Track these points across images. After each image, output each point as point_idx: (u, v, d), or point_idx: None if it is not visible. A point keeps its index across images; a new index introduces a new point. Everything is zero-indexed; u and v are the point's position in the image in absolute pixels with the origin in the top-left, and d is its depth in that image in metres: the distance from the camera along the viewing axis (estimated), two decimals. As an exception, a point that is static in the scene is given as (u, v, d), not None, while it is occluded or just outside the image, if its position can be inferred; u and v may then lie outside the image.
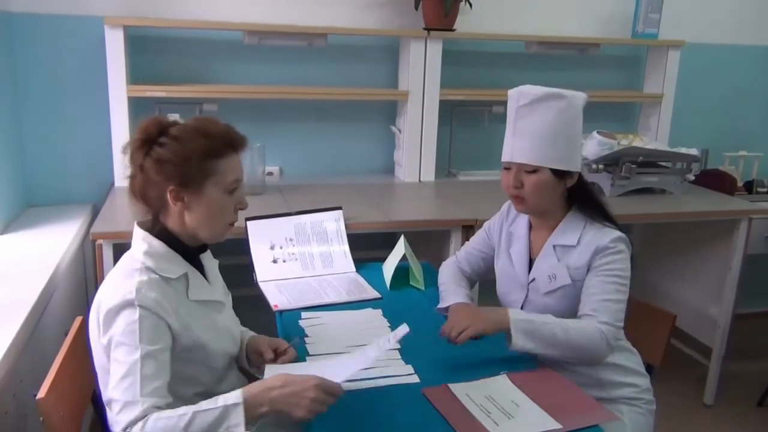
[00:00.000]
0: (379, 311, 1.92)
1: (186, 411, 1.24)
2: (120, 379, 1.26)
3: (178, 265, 1.43)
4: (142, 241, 1.40)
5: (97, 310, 1.36)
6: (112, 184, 2.68)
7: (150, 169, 1.35)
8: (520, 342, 1.57)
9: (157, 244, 1.40)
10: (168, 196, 1.37)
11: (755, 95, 3.73)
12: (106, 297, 1.34)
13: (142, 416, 1.23)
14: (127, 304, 1.30)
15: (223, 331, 1.51)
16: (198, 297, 1.45)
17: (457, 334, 1.56)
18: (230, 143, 1.40)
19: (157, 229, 1.42)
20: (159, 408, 1.25)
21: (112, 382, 1.27)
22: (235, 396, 1.26)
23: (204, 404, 1.26)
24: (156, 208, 1.42)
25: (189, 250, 1.46)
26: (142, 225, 1.43)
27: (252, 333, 1.69)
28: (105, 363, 1.36)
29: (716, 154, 3.39)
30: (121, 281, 1.35)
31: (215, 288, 1.55)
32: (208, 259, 1.56)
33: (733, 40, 3.59)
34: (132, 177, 1.40)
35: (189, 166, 1.34)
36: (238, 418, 1.24)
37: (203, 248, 1.51)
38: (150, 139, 1.35)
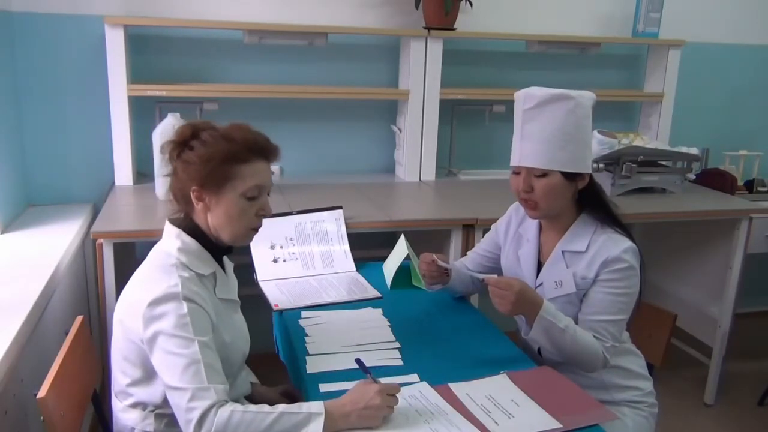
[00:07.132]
0: (380, 311, 1.92)
1: (272, 409, 1.29)
2: (183, 369, 1.29)
3: (209, 263, 1.47)
4: (175, 238, 1.45)
5: (133, 304, 1.38)
6: (113, 183, 2.68)
7: (179, 169, 1.43)
8: (536, 337, 1.61)
9: (190, 241, 1.45)
10: (192, 195, 1.42)
11: (755, 95, 3.72)
12: (145, 290, 1.36)
13: (219, 400, 1.28)
14: (174, 297, 1.33)
15: (239, 330, 1.56)
16: (223, 295, 1.49)
17: (499, 302, 1.56)
18: (253, 150, 1.44)
19: (189, 226, 1.46)
20: (227, 392, 1.31)
21: (170, 373, 1.30)
22: (317, 406, 1.32)
23: (285, 407, 1.31)
24: (185, 207, 1.47)
25: (217, 249, 1.50)
26: (173, 222, 1.49)
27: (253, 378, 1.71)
28: (135, 355, 1.39)
29: (717, 154, 3.38)
30: (160, 275, 1.38)
31: (233, 288, 1.59)
32: (227, 260, 1.59)
33: (734, 39, 3.59)
34: (168, 177, 1.47)
35: (208, 167, 1.40)
36: (318, 427, 1.28)
37: (229, 249, 1.54)
38: (183, 142, 1.43)
